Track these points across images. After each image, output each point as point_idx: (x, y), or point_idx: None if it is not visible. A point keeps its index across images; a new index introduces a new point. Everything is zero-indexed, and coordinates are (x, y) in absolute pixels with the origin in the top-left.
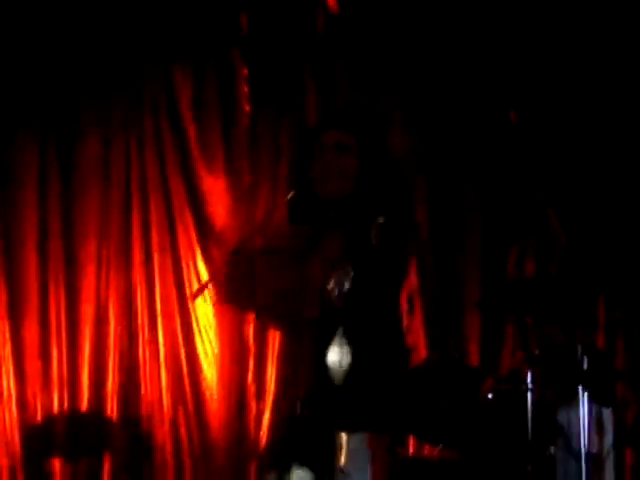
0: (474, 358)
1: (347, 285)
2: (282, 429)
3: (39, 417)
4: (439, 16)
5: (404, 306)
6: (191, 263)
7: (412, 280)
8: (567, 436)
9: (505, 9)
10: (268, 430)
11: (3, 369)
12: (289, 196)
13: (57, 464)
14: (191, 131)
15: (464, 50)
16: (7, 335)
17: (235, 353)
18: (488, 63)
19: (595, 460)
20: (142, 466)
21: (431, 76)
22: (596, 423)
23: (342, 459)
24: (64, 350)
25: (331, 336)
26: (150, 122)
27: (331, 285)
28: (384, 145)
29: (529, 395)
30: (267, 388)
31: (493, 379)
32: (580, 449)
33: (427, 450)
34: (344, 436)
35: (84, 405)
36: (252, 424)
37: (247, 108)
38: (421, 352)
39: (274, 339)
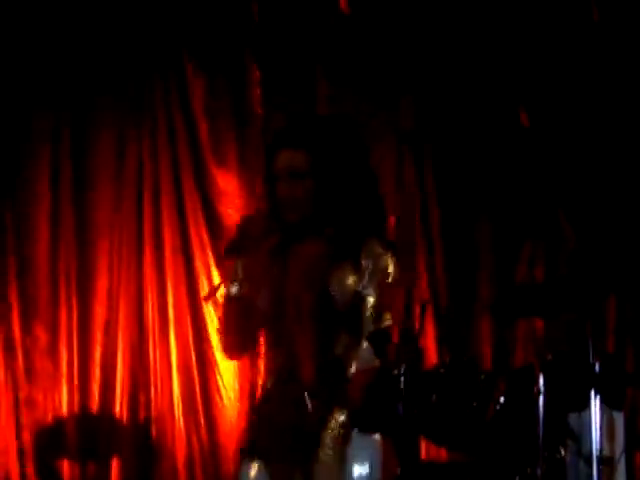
0: (487, 361)
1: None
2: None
3: (48, 419)
4: (451, 17)
5: (416, 310)
6: (202, 264)
7: (423, 284)
8: (578, 440)
9: (514, 10)
10: None
11: (13, 370)
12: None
13: (66, 466)
14: (204, 130)
15: (475, 52)
16: (18, 335)
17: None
18: (498, 64)
19: (606, 464)
20: (151, 469)
21: (441, 78)
22: (607, 427)
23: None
24: (75, 351)
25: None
26: (163, 121)
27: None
28: (347, 160)
29: (540, 398)
30: None
31: (505, 381)
32: (591, 453)
33: (437, 452)
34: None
35: (94, 407)
36: None
37: (259, 110)
38: (432, 356)
39: None
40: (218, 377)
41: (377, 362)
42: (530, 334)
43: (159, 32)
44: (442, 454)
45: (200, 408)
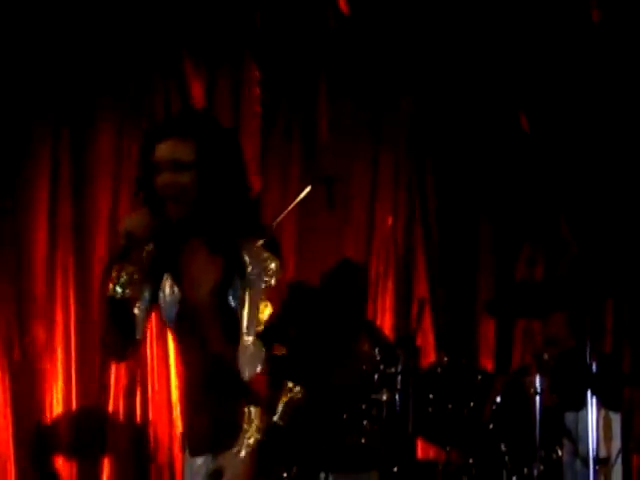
0: (487, 361)
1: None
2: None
3: (45, 417)
4: (452, 21)
5: (414, 310)
6: None
7: (422, 284)
8: (575, 440)
9: (515, 14)
10: None
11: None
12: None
13: (62, 464)
14: None
15: (475, 55)
16: (15, 334)
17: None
18: (500, 69)
19: (603, 464)
20: (148, 469)
21: (442, 81)
22: (604, 427)
23: None
24: (72, 349)
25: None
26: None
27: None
28: (229, 153)
29: (537, 399)
30: None
31: (502, 381)
32: (588, 453)
33: (435, 452)
34: None
35: (90, 406)
36: None
37: (258, 109)
38: (430, 355)
39: None
40: None
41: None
42: (528, 334)
43: (160, 33)
44: (439, 453)
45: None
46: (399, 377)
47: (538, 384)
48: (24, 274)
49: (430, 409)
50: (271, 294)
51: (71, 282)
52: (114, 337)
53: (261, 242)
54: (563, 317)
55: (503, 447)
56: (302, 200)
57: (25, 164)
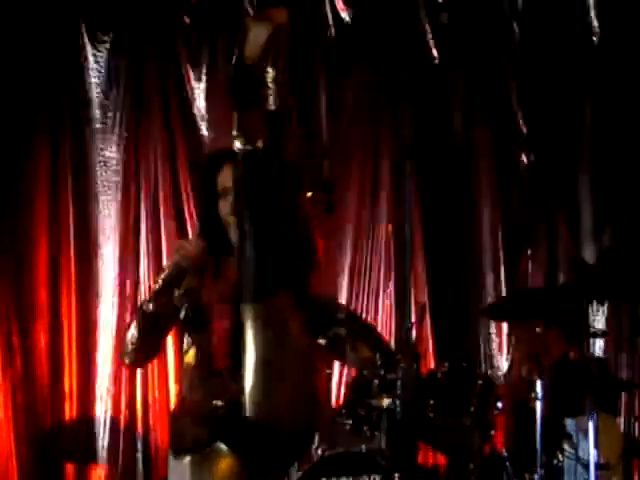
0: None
1: None
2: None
3: (48, 423)
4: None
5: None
6: None
7: (422, 290)
8: (575, 446)
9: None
10: None
11: (12, 375)
12: None
13: (66, 469)
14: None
15: (471, 58)
16: (16, 338)
17: None
18: (496, 70)
19: (603, 469)
20: (149, 474)
21: (441, 86)
22: (604, 432)
23: None
24: (74, 357)
25: None
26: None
27: None
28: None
29: (538, 404)
30: None
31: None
32: (588, 459)
33: (434, 458)
34: None
35: (93, 413)
36: None
37: None
38: (429, 361)
39: None
40: None
41: None
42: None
43: (157, 34)
44: (440, 459)
45: None
46: (399, 383)
47: (539, 390)
48: (25, 284)
49: (431, 415)
50: None
51: (73, 290)
52: (142, 346)
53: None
54: (562, 323)
55: (504, 452)
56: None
57: (25, 168)
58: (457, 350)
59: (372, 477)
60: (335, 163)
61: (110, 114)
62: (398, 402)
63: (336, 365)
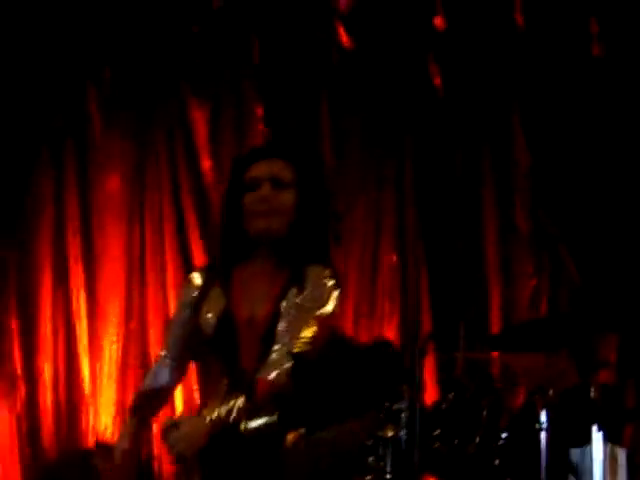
0: None
1: None
2: None
3: (50, 414)
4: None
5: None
6: None
7: (427, 322)
8: (581, 476)
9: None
10: None
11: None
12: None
13: None
14: (207, 164)
15: (475, 82)
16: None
17: None
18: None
19: None
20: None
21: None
22: (610, 463)
23: None
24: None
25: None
26: (165, 156)
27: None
28: (322, 179)
29: (543, 434)
30: None
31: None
32: None
33: None
34: None
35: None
36: None
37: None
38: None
39: None
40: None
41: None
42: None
43: (159, 65)
44: None
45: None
46: (404, 413)
47: (544, 419)
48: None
49: (436, 445)
50: (323, 324)
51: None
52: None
53: (327, 271)
54: (567, 352)
55: None
56: None
57: (29, 190)
58: (462, 381)
59: None
60: (340, 192)
61: None
62: (403, 432)
63: None
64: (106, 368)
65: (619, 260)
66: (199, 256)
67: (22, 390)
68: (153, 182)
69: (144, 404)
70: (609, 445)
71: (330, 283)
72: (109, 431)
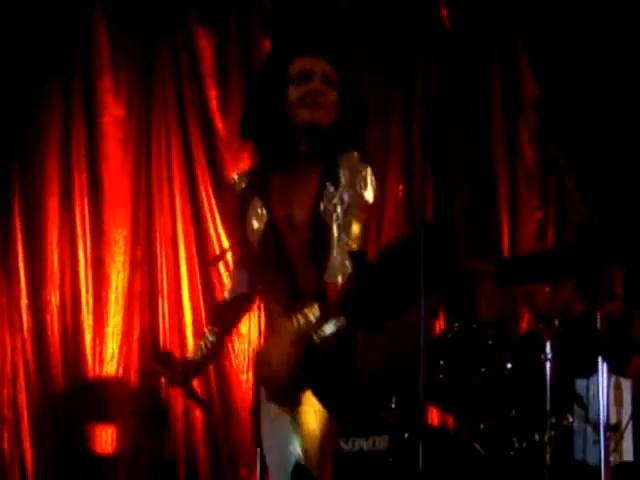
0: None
1: None
2: None
3: (61, 384)
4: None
5: None
6: (213, 231)
7: None
8: (585, 406)
9: None
10: None
11: (23, 337)
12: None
13: (84, 429)
14: (213, 96)
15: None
16: (25, 302)
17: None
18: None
19: (613, 430)
20: (163, 433)
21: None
22: (615, 393)
23: None
24: (91, 319)
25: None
26: (172, 87)
27: None
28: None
29: (548, 365)
30: None
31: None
32: (599, 419)
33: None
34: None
35: (108, 373)
36: None
37: None
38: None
39: None
40: (228, 344)
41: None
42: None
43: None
44: (449, 420)
45: (211, 375)
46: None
47: (549, 350)
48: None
49: (441, 375)
50: (369, 209)
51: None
52: None
53: (356, 153)
54: (573, 283)
55: (514, 413)
56: None
57: (37, 115)
58: (468, 311)
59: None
60: None
61: None
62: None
63: None
64: (112, 297)
65: (626, 192)
66: (206, 185)
67: (29, 318)
68: (159, 110)
69: (223, 314)
70: (614, 376)
71: (362, 164)
72: (115, 360)
